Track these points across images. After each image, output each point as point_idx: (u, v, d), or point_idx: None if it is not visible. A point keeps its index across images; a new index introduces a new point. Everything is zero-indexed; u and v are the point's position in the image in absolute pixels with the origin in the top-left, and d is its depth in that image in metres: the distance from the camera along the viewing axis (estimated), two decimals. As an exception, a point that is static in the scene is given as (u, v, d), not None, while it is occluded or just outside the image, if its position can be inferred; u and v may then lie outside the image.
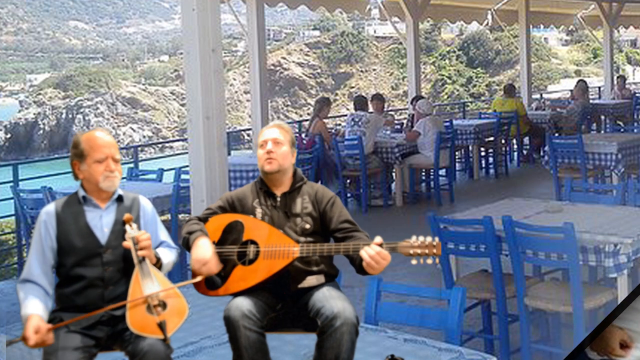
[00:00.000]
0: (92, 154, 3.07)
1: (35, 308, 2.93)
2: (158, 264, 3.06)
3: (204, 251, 3.09)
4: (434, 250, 2.96)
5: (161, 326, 2.84)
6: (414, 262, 2.98)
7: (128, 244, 2.97)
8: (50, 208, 3.11)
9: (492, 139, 12.05)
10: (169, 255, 3.18)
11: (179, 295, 2.96)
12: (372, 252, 2.98)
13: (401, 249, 2.98)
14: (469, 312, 4.91)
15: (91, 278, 3.02)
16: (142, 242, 2.98)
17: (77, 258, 3.03)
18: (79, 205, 3.10)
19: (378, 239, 3.02)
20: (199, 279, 3.11)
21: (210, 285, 3.15)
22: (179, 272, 6.32)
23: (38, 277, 3.02)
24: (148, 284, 2.92)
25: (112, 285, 3.04)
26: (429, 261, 2.97)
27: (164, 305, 2.89)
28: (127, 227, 3.02)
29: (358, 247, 3.02)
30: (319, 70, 63.73)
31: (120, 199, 3.16)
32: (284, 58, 63.92)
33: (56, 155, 44.92)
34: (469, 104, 28.93)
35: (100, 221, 3.09)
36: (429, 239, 2.98)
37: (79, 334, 2.95)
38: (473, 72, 61.13)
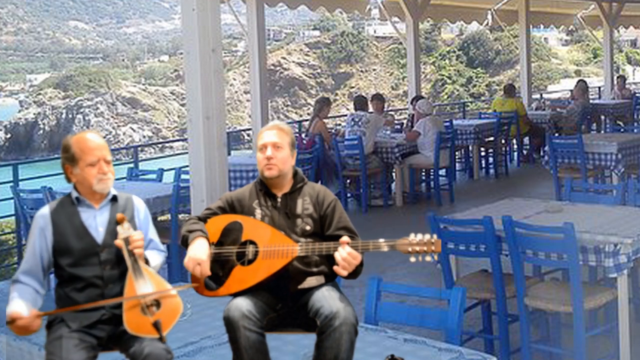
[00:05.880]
0: (84, 157, 3.05)
1: (18, 307, 2.94)
2: None
3: (200, 251, 3.08)
4: (433, 248, 2.95)
5: (156, 326, 2.85)
6: (412, 259, 2.97)
7: (120, 242, 2.99)
8: (44, 211, 3.11)
9: (492, 139, 12.04)
10: (157, 259, 3.19)
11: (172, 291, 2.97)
12: (344, 254, 2.99)
13: (400, 246, 2.98)
14: (469, 312, 4.91)
15: (90, 277, 3.03)
16: (135, 243, 3.00)
17: (75, 258, 3.04)
18: (72, 206, 3.11)
19: (345, 238, 3.03)
20: (193, 285, 3.12)
21: (208, 286, 3.15)
22: (178, 272, 6.32)
23: (27, 278, 3.04)
24: (141, 284, 2.93)
25: (112, 283, 3.05)
26: (428, 258, 2.97)
27: (157, 304, 2.90)
28: (118, 227, 3.03)
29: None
30: (319, 70, 63.73)
31: (114, 199, 3.16)
32: (284, 58, 63.92)
33: (56, 155, 44.67)
34: (469, 104, 28.90)
35: (95, 221, 3.09)
36: (427, 236, 2.98)
37: (80, 332, 2.96)
38: (473, 72, 61.13)
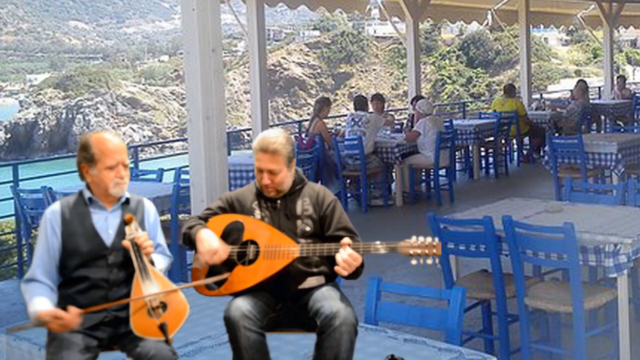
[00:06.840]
0: (103, 159, 3.02)
1: (44, 305, 2.91)
2: None
3: (209, 242, 3.09)
4: (434, 251, 2.96)
5: (162, 328, 2.84)
6: (413, 262, 2.98)
7: (127, 243, 2.97)
8: (55, 207, 3.08)
9: (492, 139, 12.05)
10: (162, 262, 3.17)
11: (179, 293, 2.96)
12: (345, 256, 2.99)
13: (401, 249, 2.98)
14: (469, 312, 4.91)
15: (96, 279, 3.01)
16: (143, 244, 2.98)
17: (82, 259, 3.02)
18: (84, 206, 3.08)
19: (346, 240, 3.03)
20: (200, 282, 3.12)
21: (209, 285, 3.15)
22: (179, 272, 6.33)
23: (42, 276, 3.01)
24: (147, 285, 2.92)
25: (117, 286, 3.04)
26: (429, 261, 2.97)
27: (164, 306, 2.89)
28: (126, 228, 3.01)
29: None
30: (319, 70, 63.72)
31: (126, 201, 3.14)
32: (284, 58, 63.91)
33: (56, 155, 44.92)
34: (469, 104, 28.89)
35: (106, 223, 3.07)
36: (428, 239, 2.99)
37: (82, 334, 2.94)
38: (473, 72, 61.12)
